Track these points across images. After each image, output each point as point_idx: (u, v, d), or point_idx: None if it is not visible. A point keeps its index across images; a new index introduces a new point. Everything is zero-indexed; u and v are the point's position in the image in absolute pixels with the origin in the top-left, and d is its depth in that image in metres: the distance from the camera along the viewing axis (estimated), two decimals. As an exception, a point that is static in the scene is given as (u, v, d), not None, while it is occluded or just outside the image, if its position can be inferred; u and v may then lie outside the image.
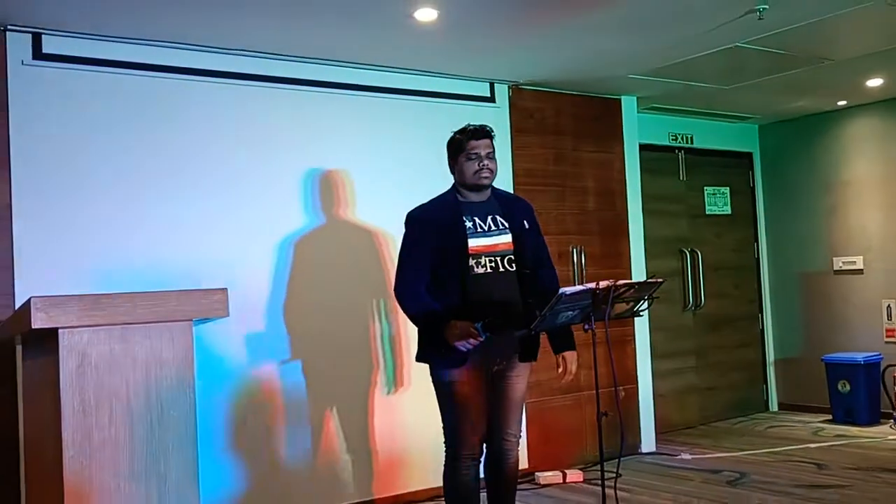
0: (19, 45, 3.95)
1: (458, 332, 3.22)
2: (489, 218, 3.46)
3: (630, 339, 6.00)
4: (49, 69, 4.02)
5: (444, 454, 3.47)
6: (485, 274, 3.38)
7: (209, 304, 2.83)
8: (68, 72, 4.06)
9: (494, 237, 3.43)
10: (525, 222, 3.53)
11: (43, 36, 4.00)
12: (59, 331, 2.58)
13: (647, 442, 6.05)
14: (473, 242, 3.38)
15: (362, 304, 4.85)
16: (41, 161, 3.98)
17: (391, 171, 4.94)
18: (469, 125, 3.52)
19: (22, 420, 3.75)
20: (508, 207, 3.54)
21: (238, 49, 4.45)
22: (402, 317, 4.76)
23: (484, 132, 3.46)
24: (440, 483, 3.52)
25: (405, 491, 4.87)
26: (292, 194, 4.65)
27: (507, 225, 3.47)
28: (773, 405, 7.52)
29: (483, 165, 3.41)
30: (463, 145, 3.44)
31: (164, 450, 2.73)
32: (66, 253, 4.00)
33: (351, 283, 4.80)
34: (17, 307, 3.60)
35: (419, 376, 4.86)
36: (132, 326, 2.70)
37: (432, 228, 3.43)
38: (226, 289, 2.86)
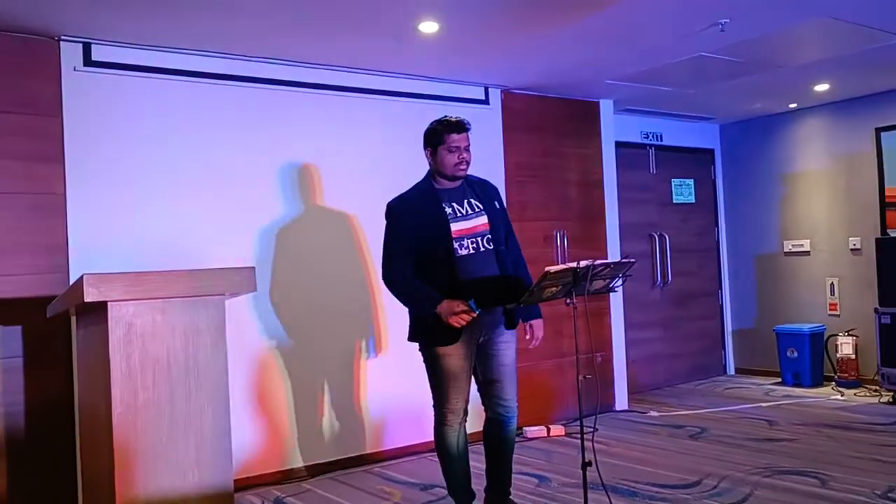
0: (71, 53, 3.94)
1: (452, 310, 3.15)
2: (465, 202, 3.36)
3: (606, 311, 6.01)
4: (98, 75, 4.01)
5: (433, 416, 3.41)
6: (468, 255, 3.28)
7: (239, 280, 2.83)
8: (114, 77, 4.05)
9: (473, 220, 3.34)
10: (496, 203, 3.45)
11: (92, 45, 3.98)
12: (108, 304, 2.58)
13: (621, 401, 6.07)
14: (455, 226, 3.29)
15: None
16: (91, 155, 3.98)
17: (400, 166, 4.92)
18: (447, 117, 3.36)
19: (76, 381, 3.77)
20: (480, 191, 3.44)
21: (267, 57, 4.43)
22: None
23: (464, 126, 3.32)
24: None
25: (410, 443, 4.90)
26: (307, 189, 4.65)
27: (481, 207, 3.38)
28: (731, 369, 7.55)
29: (462, 158, 3.30)
30: (443, 138, 3.30)
31: (201, 408, 2.73)
32: (114, 236, 4.00)
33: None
34: (71, 283, 3.62)
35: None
36: (172, 300, 2.69)
37: (413, 217, 3.31)
38: (253, 267, 2.86)
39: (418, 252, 3.30)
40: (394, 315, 4.82)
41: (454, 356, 3.29)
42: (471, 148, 3.36)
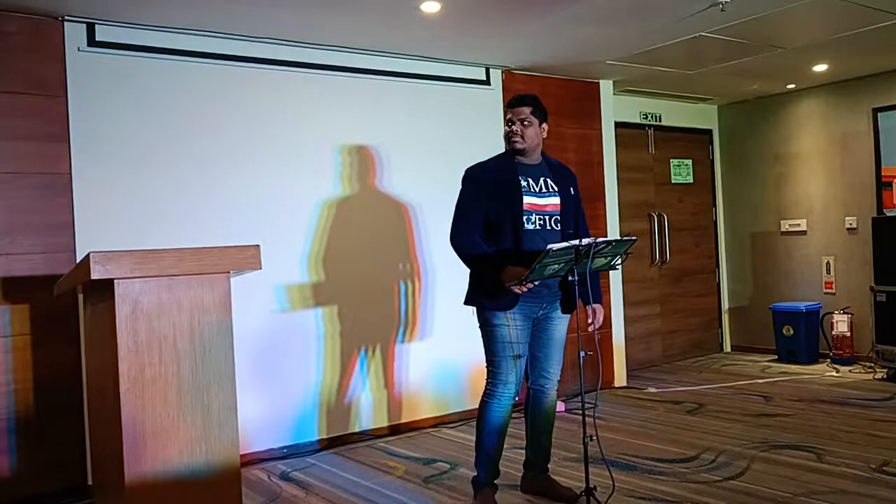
0: (75, 34, 3.89)
1: (514, 276, 3.11)
2: (541, 180, 3.33)
3: (605, 289, 5.98)
4: (102, 55, 3.96)
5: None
6: (534, 230, 3.26)
7: (244, 258, 2.80)
8: (118, 57, 4.00)
9: (545, 198, 3.31)
10: (571, 189, 3.42)
11: (96, 25, 3.93)
12: (115, 281, 2.56)
13: (620, 378, 6.07)
14: (527, 200, 3.26)
15: (386, 264, 4.83)
16: (96, 135, 3.94)
17: (404, 146, 4.90)
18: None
19: (84, 358, 3.75)
20: (558, 174, 3.41)
21: (270, 37, 4.38)
22: (421, 273, 4.83)
23: (518, 100, 3.32)
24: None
25: (414, 419, 4.90)
26: (311, 169, 4.61)
27: (556, 189, 3.35)
28: (727, 346, 7.54)
29: (513, 129, 3.29)
30: (505, 112, 3.35)
31: (207, 384, 2.72)
32: (120, 214, 3.97)
33: (377, 247, 4.79)
34: (78, 261, 3.59)
35: (434, 328, 4.88)
36: (177, 278, 2.67)
37: (488, 184, 3.29)
38: (258, 245, 2.83)
39: (487, 219, 3.28)
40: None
41: (509, 326, 3.26)
42: (524, 122, 3.30)
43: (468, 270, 3.37)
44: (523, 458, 3.63)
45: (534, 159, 3.37)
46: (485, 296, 3.29)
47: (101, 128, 3.95)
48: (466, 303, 3.41)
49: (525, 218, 3.25)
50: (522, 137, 3.30)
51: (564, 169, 3.50)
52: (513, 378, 3.32)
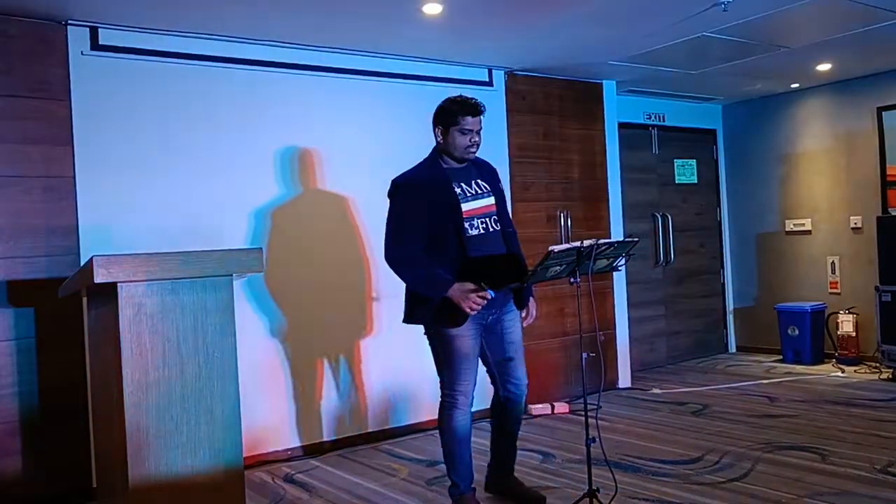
0: (79, 38, 3.91)
1: (465, 294, 3.06)
2: (473, 183, 3.28)
3: (609, 290, 5.99)
4: (105, 59, 3.98)
5: (439, 398, 3.32)
6: (478, 235, 3.21)
7: (247, 261, 2.81)
8: (122, 61, 4.03)
9: (482, 200, 3.27)
10: (499, 184, 3.39)
11: (99, 29, 3.95)
12: (118, 284, 2.57)
13: (624, 379, 6.08)
14: (466, 207, 3.20)
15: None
16: (99, 138, 3.96)
17: (404, 148, 4.89)
18: (463, 98, 3.24)
19: (88, 361, 3.77)
20: (483, 172, 3.37)
21: (272, 41, 4.40)
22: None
23: (479, 109, 3.21)
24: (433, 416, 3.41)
25: (415, 421, 4.91)
26: (312, 171, 4.63)
27: (489, 188, 3.31)
28: (732, 347, 7.54)
29: (473, 141, 3.22)
30: (457, 119, 3.18)
31: (211, 387, 2.73)
32: (123, 216, 3.99)
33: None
34: (81, 264, 3.62)
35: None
36: (181, 280, 2.68)
37: (423, 195, 3.19)
38: (261, 248, 2.85)
39: (427, 232, 3.19)
40: (395, 296, 4.80)
41: (465, 337, 3.21)
42: (480, 132, 3.28)
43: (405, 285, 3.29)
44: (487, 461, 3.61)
45: (462, 163, 3.31)
46: (432, 313, 3.18)
47: (105, 131, 3.97)
48: (408, 321, 3.30)
49: (468, 224, 3.19)
50: (478, 147, 3.28)
51: (485, 164, 3.45)
52: (471, 386, 3.29)
